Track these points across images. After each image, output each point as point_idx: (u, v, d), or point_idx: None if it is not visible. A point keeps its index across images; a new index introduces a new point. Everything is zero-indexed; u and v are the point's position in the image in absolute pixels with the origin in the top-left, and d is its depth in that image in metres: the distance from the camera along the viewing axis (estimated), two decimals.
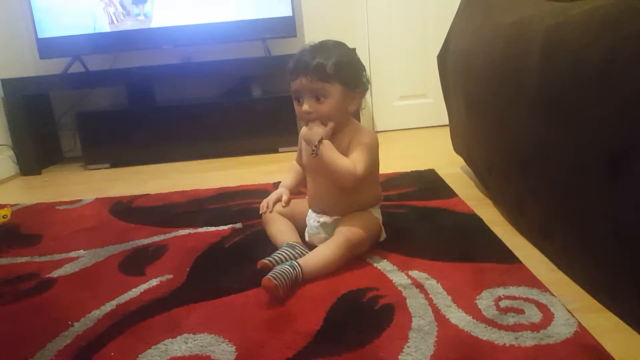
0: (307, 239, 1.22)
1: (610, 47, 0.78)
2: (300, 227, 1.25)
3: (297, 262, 1.04)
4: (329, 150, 1.11)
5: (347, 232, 1.12)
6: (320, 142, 1.11)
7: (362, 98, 1.21)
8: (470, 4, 1.64)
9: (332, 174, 1.13)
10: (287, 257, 1.10)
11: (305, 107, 1.13)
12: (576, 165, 0.91)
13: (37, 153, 2.62)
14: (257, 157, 2.52)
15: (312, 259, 1.08)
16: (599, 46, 0.81)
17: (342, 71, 1.12)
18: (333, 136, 1.16)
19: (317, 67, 1.10)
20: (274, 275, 0.99)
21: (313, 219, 1.22)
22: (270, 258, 1.08)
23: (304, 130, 1.15)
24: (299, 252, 1.12)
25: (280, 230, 1.22)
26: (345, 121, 1.19)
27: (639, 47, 0.72)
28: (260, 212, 1.27)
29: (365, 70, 1.20)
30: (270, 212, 1.26)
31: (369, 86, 1.21)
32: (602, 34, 0.81)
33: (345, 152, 1.15)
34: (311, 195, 1.25)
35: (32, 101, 2.61)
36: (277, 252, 1.11)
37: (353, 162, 1.12)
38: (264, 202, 1.28)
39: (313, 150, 1.11)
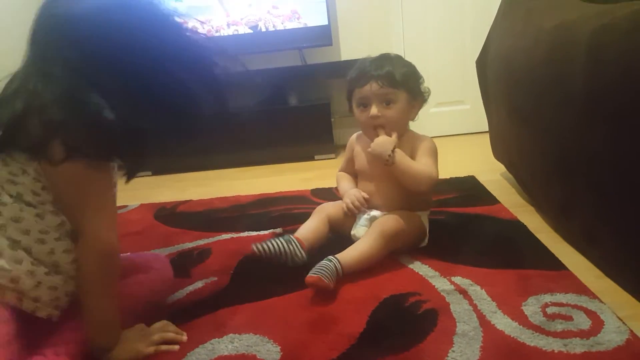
0: (353, 234, 1.24)
1: None
2: (342, 231, 1.27)
3: (335, 257, 1.07)
4: (403, 158, 1.17)
5: (382, 225, 1.15)
6: (393, 150, 1.15)
7: (420, 108, 1.26)
8: (510, 8, 1.63)
9: (409, 179, 1.17)
10: (277, 248, 1.13)
11: (374, 110, 1.18)
12: (624, 170, 0.89)
13: None
14: (293, 164, 2.56)
15: (349, 252, 1.10)
16: None
17: (409, 80, 1.20)
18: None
19: (388, 74, 1.17)
20: (315, 272, 1.02)
21: (363, 212, 1.24)
22: (260, 245, 1.14)
23: (376, 141, 1.18)
24: (291, 249, 1.14)
25: (309, 226, 1.25)
26: (405, 129, 1.25)
27: None
28: (356, 212, 1.24)
29: (424, 81, 1.24)
30: (365, 207, 1.24)
31: (428, 97, 1.26)
32: None
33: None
34: (366, 192, 1.26)
35: None
36: (272, 240, 1.15)
37: (427, 166, 1.17)
38: (354, 200, 1.23)
39: (387, 160, 1.15)
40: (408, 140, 1.24)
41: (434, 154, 1.22)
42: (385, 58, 1.22)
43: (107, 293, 0.81)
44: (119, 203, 2.19)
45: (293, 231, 1.44)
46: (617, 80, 0.88)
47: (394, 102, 1.19)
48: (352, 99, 1.25)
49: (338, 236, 1.28)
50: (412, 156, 1.21)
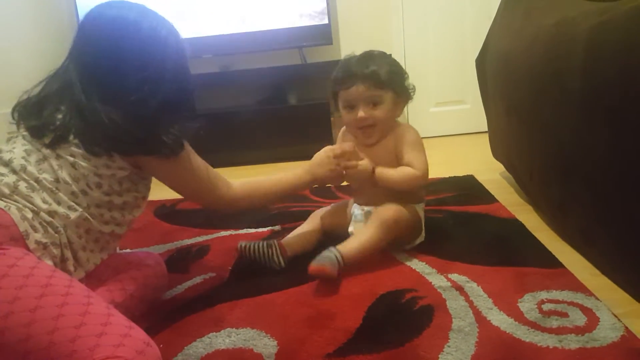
0: (351, 231, 1.24)
1: None
2: (338, 231, 1.27)
3: (336, 247, 1.07)
4: (385, 175, 1.17)
5: (381, 214, 1.16)
6: (372, 173, 1.16)
7: (406, 104, 1.25)
8: (509, 6, 1.63)
9: (399, 187, 1.18)
10: (257, 251, 1.16)
11: (361, 113, 1.16)
12: (621, 169, 0.89)
13: None
14: (292, 163, 2.56)
15: (350, 242, 1.12)
16: None
17: (394, 79, 1.18)
18: (379, 141, 1.21)
19: (373, 74, 1.15)
20: (317, 261, 1.03)
21: (358, 209, 1.25)
22: (244, 244, 1.18)
23: (349, 174, 1.19)
24: (269, 253, 1.16)
25: (297, 233, 1.28)
26: (392, 126, 1.23)
27: None
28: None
29: (408, 77, 1.23)
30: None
31: (413, 94, 1.24)
32: None
33: (392, 153, 1.20)
34: (357, 191, 1.29)
35: None
36: (255, 243, 1.18)
37: (411, 165, 1.17)
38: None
39: (372, 182, 1.17)
40: (392, 134, 1.22)
41: (418, 145, 1.21)
42: (369, 57, 1.20)
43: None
44: None
45: (292, 229, 1.46)
46: (615, 77, 0.88)
47: (380, 103, 1.17)
48: (337, 99, 1.23)
49: (334, 237, 1.28)
50: (398, 150, 1.20)
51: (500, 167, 1.81)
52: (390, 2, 2.74)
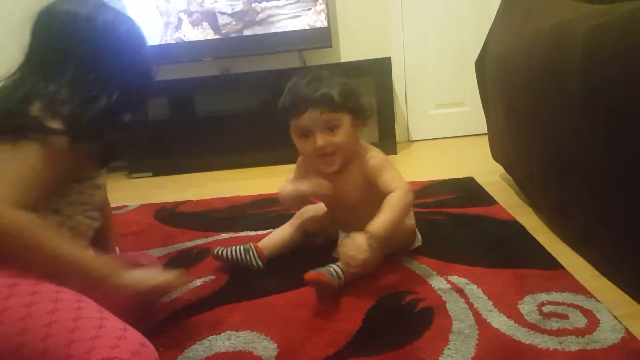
0: (334, 256, 1.12)
1: None
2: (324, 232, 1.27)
3: (336, 264, 1.05)
4: (384, 225, 0.98)
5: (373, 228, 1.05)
6: (373, 242, 0.95)
7: (365, 125, 1.14)
8: (508, 8, 1.63)
9: (403, 219, 1.06)
10: (234, 256, 1.17)
11: (320, 141, 1.06)
12: (621, 169, 0.89)
13: None
14: (293, 166, 2.56)
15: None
16: None
17: (348, 99, 1.08)
18: (342, 169, 1.12)
19: (325, 97, 1.04)
20: (315, 270, 1.01)
21: (344, 235, 1.16)
22: (219, 251, 1.18)
23: (344, 254, 0.96)
24: (247, 258, 1.17)
25: (275, 234, 1.27)
26: (354, 151, 1.13)
27: None
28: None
29: (361, 95, 1.13)
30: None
31: (370, 113, 1.14)
32: None
33: (358, 180, 1.12)
34: (337, 221, 1.23)
35: None
36: (231, 248, 1.18)
37: (390, 187, 1.05)
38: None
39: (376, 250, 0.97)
40: (357, 160, 1.12)
41: (388, 164, 1.10)
42: (317, 79, 1.08)
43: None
44: (119, 203, 2.21)
45: None
46: (615, 78, 0.88)
47: (338, 127, 1.06)
48: (289, 128, 1.12)
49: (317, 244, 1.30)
50: (369, 179, 1.09)
51: (500, 169, 1.81)
52: (390, 6, 2.75)
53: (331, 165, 1.11)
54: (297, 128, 1.09)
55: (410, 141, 2.88)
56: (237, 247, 1.19)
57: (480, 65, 1.81)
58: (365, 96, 3.05)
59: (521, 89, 1.33)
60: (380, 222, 0.99)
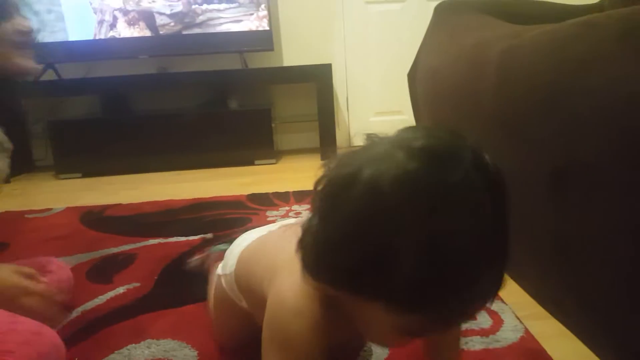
0: None
1: (555, 69, 0.85)
2: None
3: None
4: None
5: None
6: None
7: None
8: (437, 23, 1.72)
9: None
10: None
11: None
12: (523, 183, 0.97)
13: None
14: (232, 169, 2.54)
15: None
16: (547, 68, 0.87)
17: None
18: None
19: None
20: None
21: None
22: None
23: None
24: None
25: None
26: None
27: (577, 69, 0.79)
28: None
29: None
30: None
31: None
32: (549, 57, 0.87)
33: None
34: None
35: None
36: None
37: None
38: None
39: None
40: None
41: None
42: None
43: None
44: (43, 206, 2.09)
45: (225, 237, 1.44)
46: (520, 98, 0.96)
47: None
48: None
49: None
50: None
51: None
52: (332, 12, 2.80)
53: None
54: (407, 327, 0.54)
55: (351, 147, 2.94)
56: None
57: (412, 77, 1.89)
58: (307, 101, 3.08)
59: (446, 104, 1.41)
60: None
